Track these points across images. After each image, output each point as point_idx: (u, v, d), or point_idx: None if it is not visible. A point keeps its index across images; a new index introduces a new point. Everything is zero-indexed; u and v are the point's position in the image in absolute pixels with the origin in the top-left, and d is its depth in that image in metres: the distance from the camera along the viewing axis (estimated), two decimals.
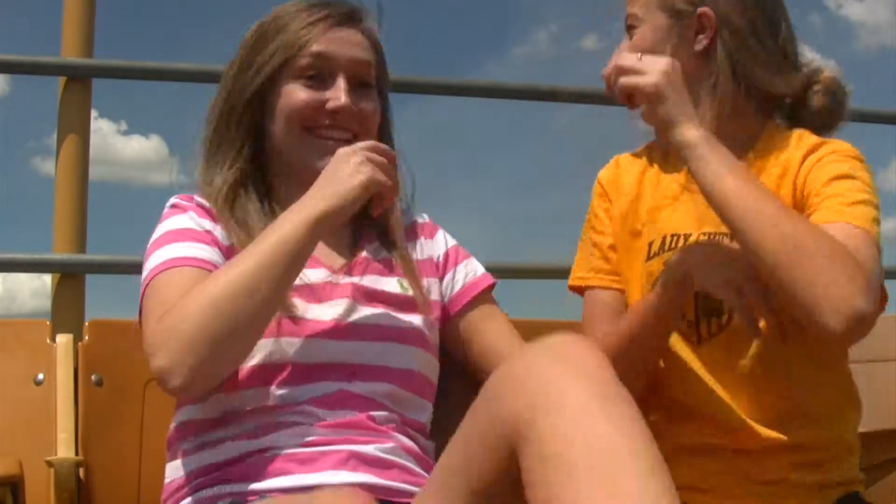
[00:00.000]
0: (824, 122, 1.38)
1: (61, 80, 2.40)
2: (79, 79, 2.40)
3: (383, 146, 1.27)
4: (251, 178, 1.35)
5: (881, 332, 1.70)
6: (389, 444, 1.23)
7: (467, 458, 1.00)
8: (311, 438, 1.19)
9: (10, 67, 2.50)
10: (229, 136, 1.36)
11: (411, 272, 1.36)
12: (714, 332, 1.33)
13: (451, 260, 1.45)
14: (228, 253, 1.28)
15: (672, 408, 1.36)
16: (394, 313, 1.31)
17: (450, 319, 1.41)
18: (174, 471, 1.25)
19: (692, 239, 1.35)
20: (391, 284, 1.34)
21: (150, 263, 1.26)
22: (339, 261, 1.35)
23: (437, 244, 1.46)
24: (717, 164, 1.21)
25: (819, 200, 1.27)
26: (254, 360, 1.21)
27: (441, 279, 1.43)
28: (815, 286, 1.13)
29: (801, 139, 1.35)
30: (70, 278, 2.32)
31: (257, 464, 1.18)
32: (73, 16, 2.43)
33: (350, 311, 1.28)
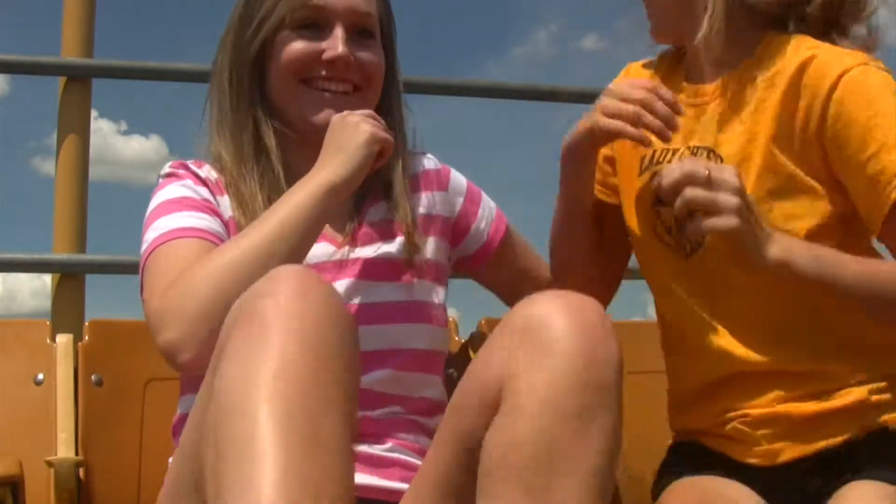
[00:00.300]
0: (829, 20, 1.30)
1: (61, 80, 2.40)
2: (79, 79, 2.40)
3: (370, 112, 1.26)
4: (257, 147, 1.32)
5: None
6: (388, 444, 1.23)
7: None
8: None
9: (10, 67, 2.50)
10: (235, 102, 1.33)
11: (415, 235, 1.33)
12: (701, 240, 1.29)
13: (470, 213, 1.44)
14: (230, 224, 1.26)
15: (671, 343, 1.40)
16: (396, 287, 1.29)
17: (480, 267, 1.45)
18: None
19: (679, 154, 1.33)
20: (394, 250, 1.31)
21: (150, 235, 1.23)
22: (342, 230, 1.32)
23: (450, 198, 1.43)
24: (816, 270, 1.20)
25: (865, 187, 1.22)
26: None
27: (464, 235, 1.43)
28: None
29: (799, 45, 1.28)
30: (70, 278, 2.32)
31: None
32: (73, 16, 2.43)
33: (351, 294, 1.26)
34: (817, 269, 1.21)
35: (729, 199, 1.15)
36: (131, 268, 2.23)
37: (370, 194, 1.35)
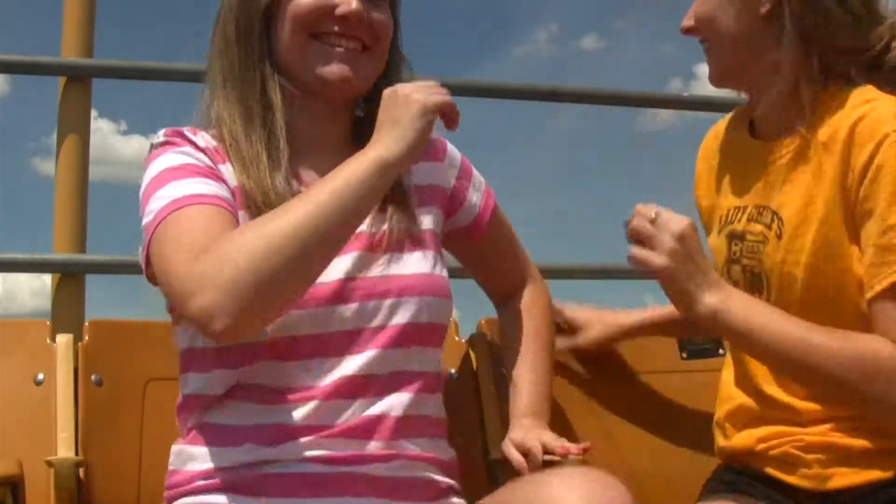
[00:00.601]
0: None
1: (61, 80, 2.40)
2: (79, 79, 2.40)
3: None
4: (263, 106, 1.27)
5: None
6: (397, 463, 1.22)
7: None
8: (318, 454, 1.19)
9: (10, 67, 2.50)
10: (243, 57, 1.28)
11: (412, 207, 1.33)
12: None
13: (464, 185, 1.43)
14: (236, 193, 1.22)
15: (729, 367, 1.45)
16: (401, 258, 1.28)
17: (472, 242, 1.45)
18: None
19: (747, 213, 1.37)
20: (394, 223, 1.30)
21: (155, 205, 1.17)
22: None
23: (446, 168, 1.41)
24: (744, 325, 1.24)
25: (871, 255, 1.23)
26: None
27: (459, 207, 1.42)
28: (870, 403, 1.22)
29: (855, 101, 1.27)
30: (70, 278, 2.32)
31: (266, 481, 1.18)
32: (73, 16, 2.43)
33: (358, 268, 1.25)
34: (745, 327, 1.24)
35: (664, 240, 1.23)
36: (131, 268, 2.23)
37: None
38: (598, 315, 1.70)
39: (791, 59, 1.29)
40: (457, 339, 1.70)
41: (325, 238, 1.09)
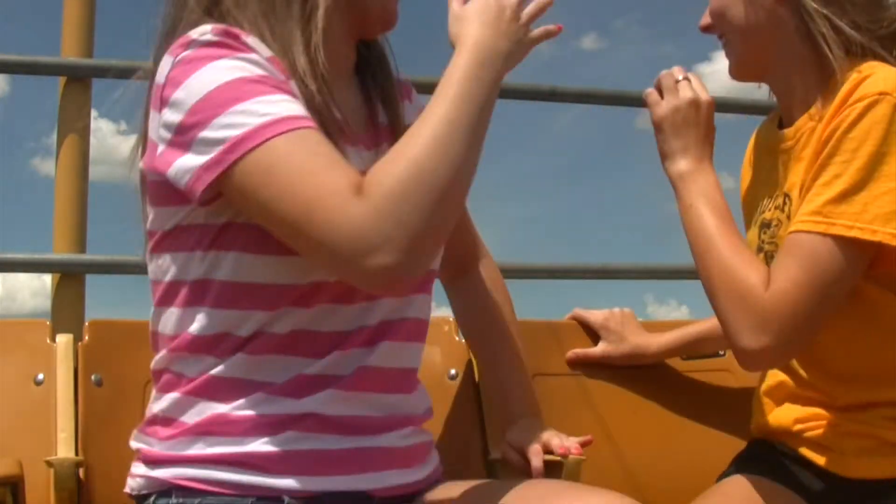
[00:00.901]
0: None
1: (61, 80, 2.40)
2: (79, 79, 2.40)
3: None
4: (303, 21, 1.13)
5: None
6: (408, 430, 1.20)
7: None
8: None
9: (10, 67, 2.50)
10: None
11: None
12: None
13: None
14: None
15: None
16: None
17: None
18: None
19: (775, 200, 1.39)
20: None
21: (243, 119, 1.01)
22: (359, 127, 1.21)
23: (415, 111, 1.28)
24: (687, 199, 1.32)
25: (810, 196, 1.24)
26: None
27: None
28: (722, 323, 1.26)
29: (863, 69, 1.26)
30: (70, 278, 2.32)
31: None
32: (73, 16, 2.43)
33: None
34: (686, 202, 1.32)
35: (675, 97, 1.34)
36: (131, 268, 2.23)
37: (374, 97, 1.26)
38: (621, 329, 1.72)
39: (804, 45, 1.30)
40: (457, 339, 1.70)
41: (470, 153, 1.02)
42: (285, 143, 1.00)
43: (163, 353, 1.16)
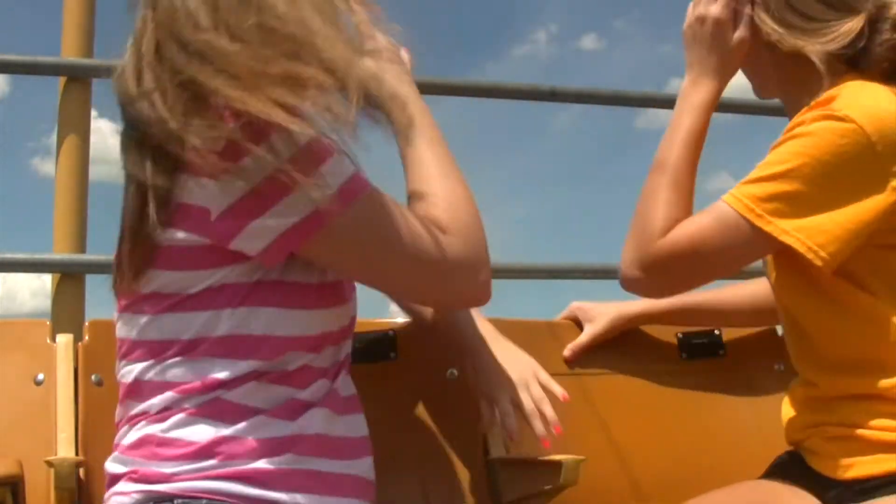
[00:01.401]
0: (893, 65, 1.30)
1: (61, 80, 2.40)
2: (79, 79, 2.40)
3: None
4: None
5: None
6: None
7: None
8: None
9: (10, 67, 2.50)
10: None
11: None
12: None
13: None
14: None
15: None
16: None
17: None
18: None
19: None
20: None
21: (334, 181, 1.09)
22: None
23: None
24: (675, 116, 1.38)
25: (750, 175, 1.30)
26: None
27: None
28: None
29: (833, 89, 1.29)
30: (70, 278, 2.32)
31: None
32: (73, 16, 2.43)
33: None
34: (674, 120, 1.39)
35: (691, 9, 1.39)
36: None
37: None
38: (600, 308, 1.75)
39: (793, 67, 1.34)
40: None
41: None
42: (370, 199, 1.13)
43: (168, 394, 1.17)
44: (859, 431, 1.30)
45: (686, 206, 1.35)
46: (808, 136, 1.23)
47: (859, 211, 1.22)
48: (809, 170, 1.22)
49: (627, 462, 1.66)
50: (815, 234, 1.22)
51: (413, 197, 1.20)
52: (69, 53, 2.43)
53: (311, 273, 1.17)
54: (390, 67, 1.25)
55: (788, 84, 1.38)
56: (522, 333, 1.68)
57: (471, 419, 1.63)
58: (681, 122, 1.38)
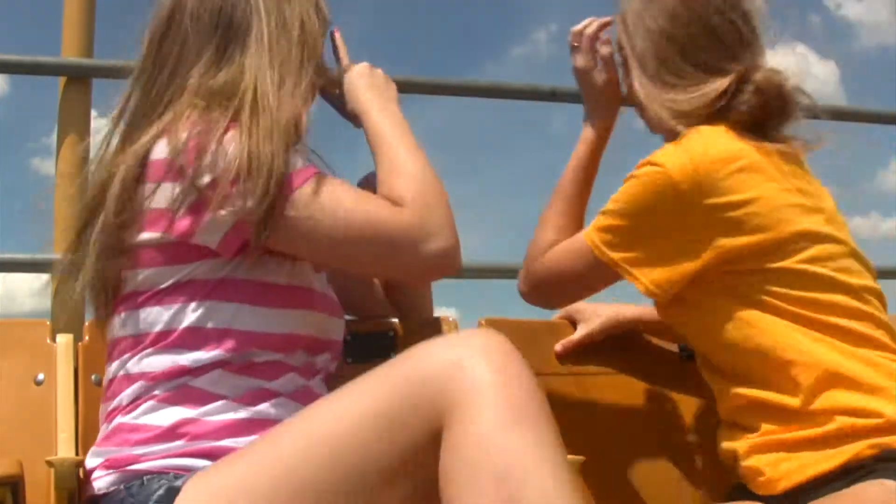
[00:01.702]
0: (756, 121, 1.42)
1: (61, 80, 2.40)
2: (79, 79, 2.40)
3: None
4: None
5: None
6: None
7: (390, 405, 1.06)
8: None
9: (10, 67, 2.50)
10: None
11: None
12: None
13: None
14: None
15: None
16: None
17: None
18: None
19: None
20: None
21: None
22: None
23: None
24: (573, 157, 1.63)
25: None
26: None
27: None
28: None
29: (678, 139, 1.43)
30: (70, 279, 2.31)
31: None
32: (73, 16, 2.43)
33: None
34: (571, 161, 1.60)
35: (591, 52, 1.60)
36: None
37: None
38: (595, 308, 1.76)
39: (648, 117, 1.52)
40: None
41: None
42: (316, 182, 1.22)
43: (139, 384, 1.25)
44: (764, 439, 1.34)
45: (570, 231, 1.53)
46: (632, 178, 1.41)
47: (680, 248, 1.37)
48: (632, 208, 1.40)
49: (627, 462, 1.66)
50: (643, 267, 1.40)
51: (381, 176, 1.31)
52: (69, 53, 2.43)
53: (279, 273, 1.27)
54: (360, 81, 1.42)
55: (660, 129, 1.52)
56: (522, 333, 1.68)
57: None
58: (574, 154, 1.60)
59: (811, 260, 1.36)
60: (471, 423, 1.01)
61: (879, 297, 1.43)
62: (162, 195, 1.23)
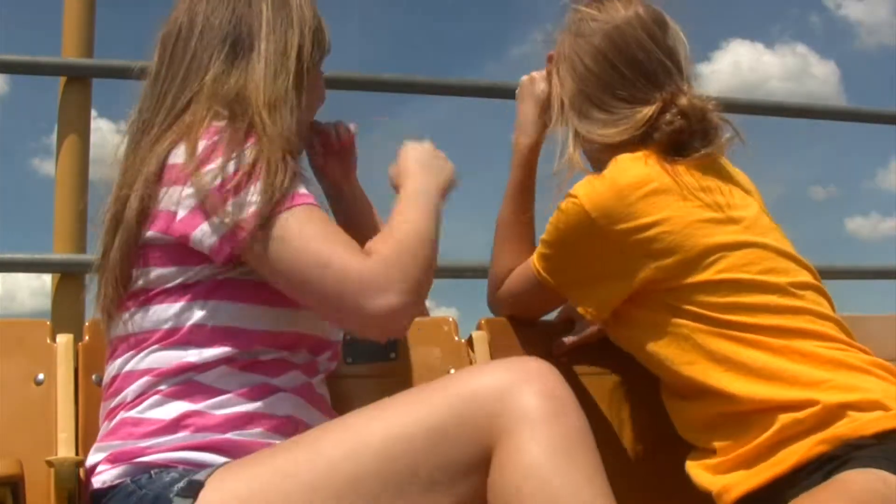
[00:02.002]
0: (678, 143, 1.48)
1: (61, 80, 2.40)
2: (79, 79, 2.41)
3: None
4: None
5: (881, 332, 1.71)
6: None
7: (438, 422, 1.09)
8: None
9: (10, 67, 2.51)
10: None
11: None
12: None
13: None
14: None
15: None
16: None
17: None
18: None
19: None
20: None
21: (265, 187, 1.22)
22: None
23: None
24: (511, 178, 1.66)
25: None
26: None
27: None
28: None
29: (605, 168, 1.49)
30: (70, 278, 2.32)
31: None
32: (73, 16, 2.44)
33: None
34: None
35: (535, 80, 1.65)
36: None
37: None
38: None
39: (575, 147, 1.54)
40: (456, 339, 1.70)
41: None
42: (298, 211, 1.21)
43: (144, 379, 1.27)
44: (721, 459, 1.38)
45: (522, 254, 1.59)
46: (557, 210, 1.47)
47: (604, 272, 1.44)
48: (557, 239, 1.48)
49: (627, 462, 1.66)
50: (579, 290, 1.49)
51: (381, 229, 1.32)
52: (69, 53, 2.43)
53: None
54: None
55: (595, 164, 1.56)
56: (521, 333, 1.68)
57: None
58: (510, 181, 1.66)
59: (730, 268, 1.40)
60: (521, 452, 1.05)
61: (817, 290, 1.46)
62: (170, 197, 1.26)
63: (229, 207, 1.21)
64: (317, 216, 1.23)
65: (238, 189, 1.21)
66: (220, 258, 1.24)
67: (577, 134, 1.53)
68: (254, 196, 1.20)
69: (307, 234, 1.20)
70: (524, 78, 1.68)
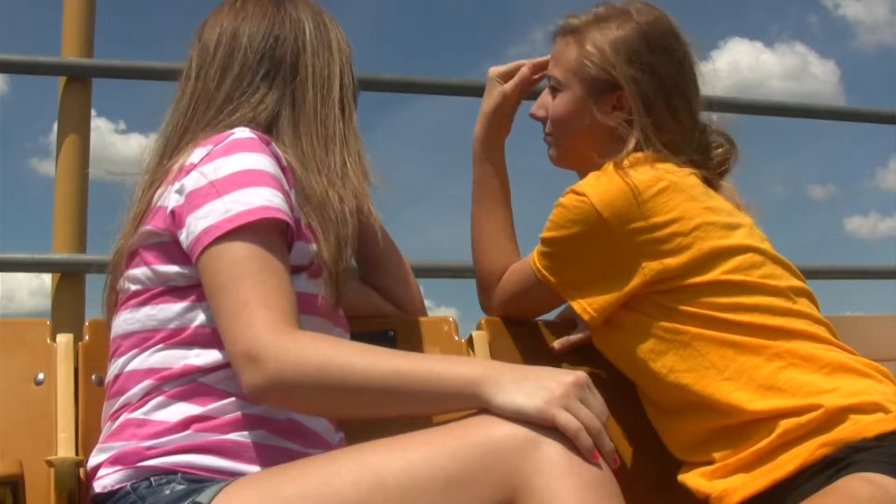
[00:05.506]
0: (722, 166, 1.56)
1: (61, 80, 2.40)
2: (79, 79, 2.41)
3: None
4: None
5: (881, 332, 1.71)
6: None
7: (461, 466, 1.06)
8: None
9: (10, 67, 2.51)
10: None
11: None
12: None
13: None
14: (299, 222, 1.28)
15: None
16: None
17: None
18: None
19: None
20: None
21: (240, 198, 1.20)
22: None
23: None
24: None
25: None
26: None
27: None
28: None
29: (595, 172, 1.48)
30: (70, 278, 2.32)
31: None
32: (73, 16, 2.44)
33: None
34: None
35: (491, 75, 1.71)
36: None
37: None
38: None
39: (616, 145, 1.49)
40: (456, 339, 1.70)
41: (368, 409, 1.16)
42: (254, 249, 1.19)
43: (148, 381, 1.27)
44: (720, 465, 1.38)
45: (512, 246, 1.62)
46: (559, 207, 1.44)
47: (610, 273, 1.42)
48: (560, 237, 1.45)
49: (626, 462, 1.66)
50: (580, 290, 1.46)
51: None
52: (69, 53, 2.43)
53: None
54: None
55: (581, 163, 1.56)
56: (521, 333, 1.68)
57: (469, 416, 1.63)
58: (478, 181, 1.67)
59: (734, 270, 1.41)
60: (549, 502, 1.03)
61: (809, 296, 1.47)
62: (168, 194, 1.28)
63: (211, 210, 1.21)
64: (275, 249, 1.20)
65: (221, 193, 1.21)
66: (193, 258, 1.23)
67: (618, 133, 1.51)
68: (227, 204, 1.20)
69: (251, 260, 1.18)
70: (490, 69, 1.71)
